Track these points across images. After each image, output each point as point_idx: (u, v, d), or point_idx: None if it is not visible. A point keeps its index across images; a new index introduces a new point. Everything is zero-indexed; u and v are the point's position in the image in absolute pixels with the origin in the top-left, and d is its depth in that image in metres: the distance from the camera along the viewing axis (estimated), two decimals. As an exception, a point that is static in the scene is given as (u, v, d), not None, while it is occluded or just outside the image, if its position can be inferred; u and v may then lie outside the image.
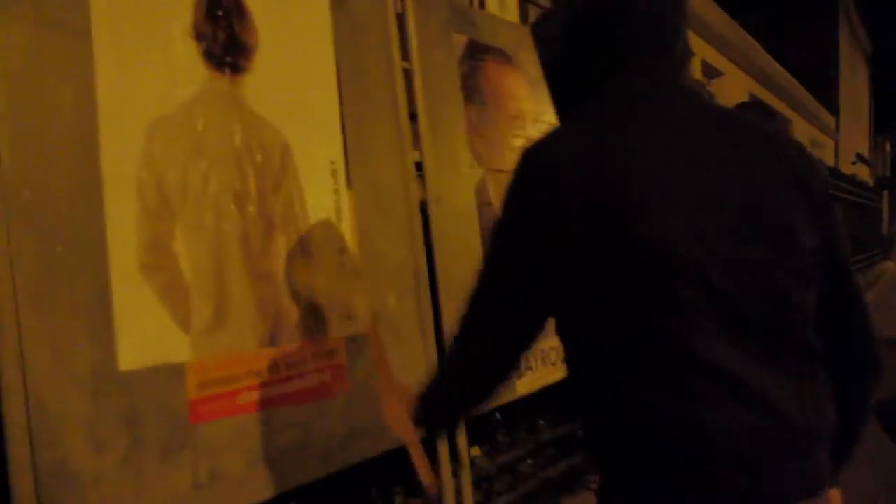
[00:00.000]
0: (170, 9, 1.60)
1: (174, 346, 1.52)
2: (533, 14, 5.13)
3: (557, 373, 2.90)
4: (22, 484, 1.25)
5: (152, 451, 1.45)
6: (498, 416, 3.22)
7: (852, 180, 12.61)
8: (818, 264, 1.11)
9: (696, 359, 0.99)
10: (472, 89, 2.62)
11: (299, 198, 1.85)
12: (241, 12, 1.75)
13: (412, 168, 2.28)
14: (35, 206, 1.34)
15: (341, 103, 2.03)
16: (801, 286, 1.08)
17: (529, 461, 3.34)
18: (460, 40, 2.59)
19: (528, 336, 1.18)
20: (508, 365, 1.22)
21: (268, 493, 1.68)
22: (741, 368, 1.01)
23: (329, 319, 1.91)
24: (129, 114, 1.50)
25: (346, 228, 1.99)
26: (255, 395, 1.68)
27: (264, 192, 1.75)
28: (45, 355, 1.31)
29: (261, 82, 1.78)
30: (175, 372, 1.52)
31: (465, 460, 2.43)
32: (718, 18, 8.70)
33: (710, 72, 8.94)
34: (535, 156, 1.11)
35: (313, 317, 1.86)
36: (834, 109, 13.79)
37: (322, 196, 1.92)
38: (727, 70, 8.94)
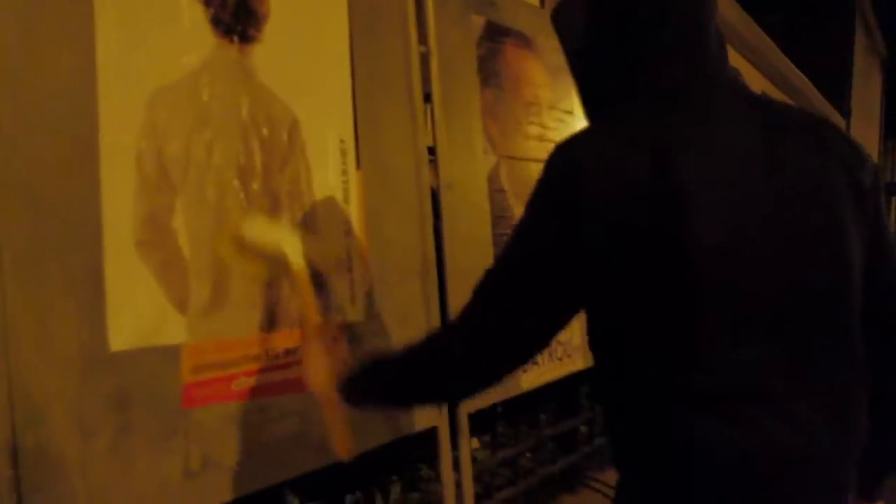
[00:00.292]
0: (177, -29, 1.51)
1: (169, 328, 1.45)
2: None
3: (563, 368, 2.83)
4: (1, 468, 1.17)
5: (142, 436, 1.38)
6: (499, 408, 3.15)
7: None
8: (865, 262, 1.05)
9: (734, 375, 0.95)
10: (489, 72, 2.54)
11: (306, 176, 1.77)
12: (252, -22, 1.66)
13: (424, 151, 2.20)
14: (26, 176, 1.26)
15: (354, 81, 1.94)
16: (846, 288, 1.02)
17: (529, 455, 3.29)
18: (479, 21, 2.50)
19: (531, 341, 1.07)
20: (493, 368, 1.09)
21: (262, 483, 1.61)
22: (778, 385, 0.96)
23: (332, 304, 1.83)
24: (130, 81, 1.41)
25: (354, 210, 1.91)
26: (251, 381, 1.60)
27: (270, 169, 1.67)
28: (31, 333, 1.23)
29: (271, 54, 1.69)
30: (169, 354, 1.45)
31: (466, 452, 2.36)
32: (738, 17, 8.63)
33: (726, 69, 8.84)
34: (571, 153, 1.01)
35: (317, 301, 1.78)
36: (846, 112, 13.72)
37: (330, 176, 1.84)
38: (743, 69, 8.85)
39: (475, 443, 3.15)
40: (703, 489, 0.97)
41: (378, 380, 1.20)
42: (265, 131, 1.66)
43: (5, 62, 1.24)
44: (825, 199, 1.01)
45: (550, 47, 2.74)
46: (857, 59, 13.09)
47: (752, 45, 9.08)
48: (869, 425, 1.05)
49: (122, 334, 1.36)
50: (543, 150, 2.61)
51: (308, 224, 1.77)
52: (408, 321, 2.06)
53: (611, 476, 2.86)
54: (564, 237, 0.97)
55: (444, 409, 2.19)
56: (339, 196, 1.87)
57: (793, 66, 10.35)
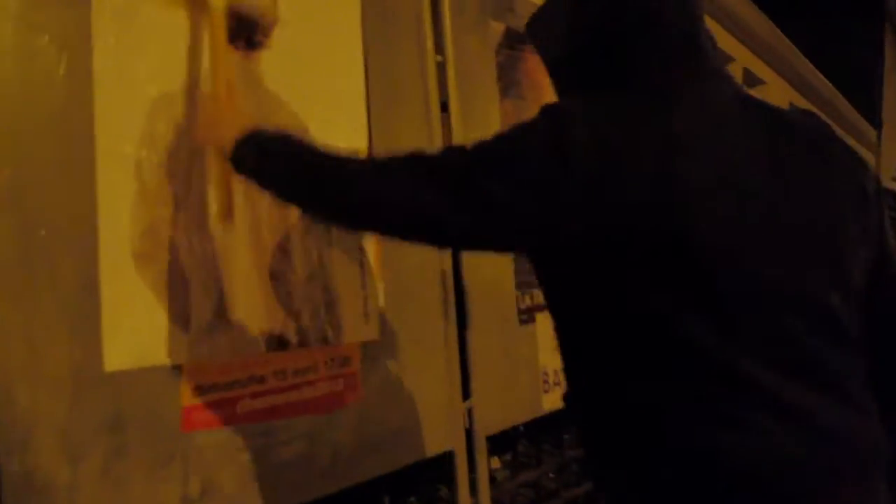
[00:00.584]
0: (180, -26, 1.45)
1: (168, 346, 1.37)
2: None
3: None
4: (-18, 495, 1.11)
5: (136, 461, 1.30)
6: (521, 427, 3.07)
7: (895, 196, 12.38)
8: (869, 271, 1.02)
9: (742, 384, 0.90)
10: (509, 81, 2.46)
11: (316, 188, 1.69)
12: (259, -19, 1.60)
13: (442, 164, 2.12)
14: (17, 184, 1.19)
15: (367, 89, 1.88)
16: (849, 297, 0.98)
17: (552, 475, 3.21)
18: (498, 28, 2.43)
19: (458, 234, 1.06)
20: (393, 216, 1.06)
21: (265, 511, 1.53)
22: (791, 392, 0.91)
23: (344, 323, 1.75)
24: (130, 88, 1.35)
25: (367, 224, 1.83)
26: (257, 403, 1.52)
27: (277, 180, 1.59)
28: (19, 351, 1.17)
29: (279, 60, 1.63)
30: (168, 374, 1.37)
31: (484, 476, 2.28)
32: (764, 26, 8.55)
33: (752, 80, 8.75)
34: (572, 119, 0.98)
35: (327, 319, 1.71)
36: (877, 123, 13.56)
37: (342, 188, 1.77)
38: (769, 79, 8.75)
39: (496, 462, 3.07)
40: (711, 497, 0.91)
41: (282, 155, 1.15)
42: (272, 140, 1.59)
43: (-2, 66, 1.19)
44: (827, 201, 0.99)
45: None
46: (888, 68, 12.91)
47: (779, 54, 8.98)
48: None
49: (118, 353, 1.29)
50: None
51: (320, 238, 1.70)
52: (424, 339, 1.99)
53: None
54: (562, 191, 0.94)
55: (461, 432, 2.11)
56: (351, 208, 1.79)
57: (820, 75, 10.25)
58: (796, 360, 0.93)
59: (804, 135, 1.03)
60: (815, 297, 0.95)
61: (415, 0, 2.08)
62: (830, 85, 10.28)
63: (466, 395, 2.13)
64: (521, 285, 2.35)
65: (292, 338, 1.61)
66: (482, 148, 1.02)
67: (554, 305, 1.10)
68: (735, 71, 8.69)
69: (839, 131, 1.09)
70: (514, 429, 3.01)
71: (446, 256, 2.08)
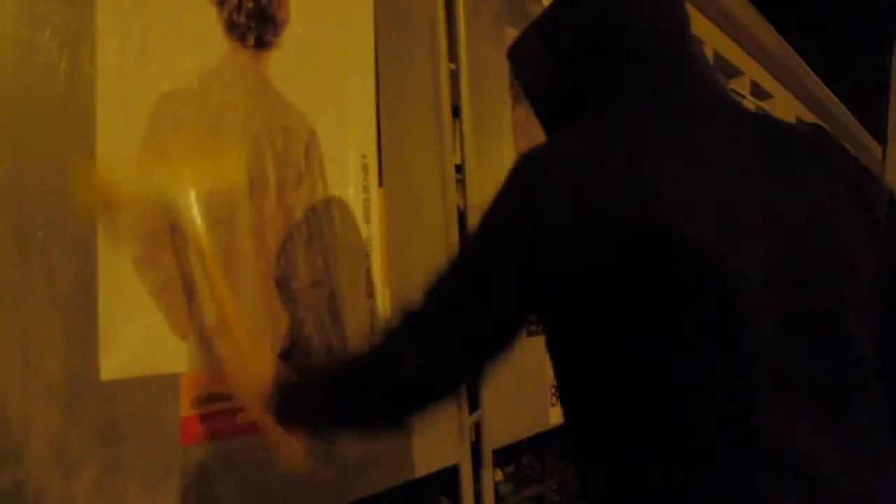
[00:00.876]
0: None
1: (167, 355, 1.32)
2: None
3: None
4: (-29, 508, 1.06)
5: (133, 474, 1.25)
6: (525, 440, 3.03)
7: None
8: (882, 300, 0.94)
9: (755, 440, 0.83)
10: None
11: (324, 192, 1.65)
12: (270, -22, 1.56)
13: (452, 170, 2.11)
14: (13, 183, 1.14)
15: (378, 93, 1.84)
16: (863, 328, 0.91)
17: (555, 488, 3.17)
18: (512, 34, 2.38)
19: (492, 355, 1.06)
20: (447, 387, 1.06)
21: (265, 527, 1.48)
22: (805, 447, 0.84)
23: (350, 332, 1.70)
24: (133, 86, 1.30)
25: (375, 230, 1.79)
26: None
27: (284, 184, 1.55)
28: (12, 358, 1.11)
29: (290, 61, 1.58)
30: (167, 384, 1.32)
31: (489, 490, 2.23)
32: (772, 40, 8.53)
33: (760, 93, 8.76)
34: (544, 164, 0.98)
35: (333, 328, 1.66)
36: (882, 138, 13.55)
37: (350, 193, 1.73)
38: (777, 93, 8.75)
39: (499, 474, 3.03)
40: None
41: (315, 398, 1.11)
42: (280, 143, 1.54)
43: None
44: (835, 228, 0.92)
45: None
46: (894, 84, 12.89)
47: (788, 69, 8.98)
48: None
49: (115, 362, 1.23)
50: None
51: (325, 244, 1.65)
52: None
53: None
54: (537, 254, 0.92)
55: (467, 445, 2.06)
56: (359, 215, 1.75)
57: (827, 89, 10.26)
58: (814, 407, 0.86)
59: (806, 148, 0.98)
60: (830, 328, 0.89)
61: (429, 3, 2.05)
62: (837, 99, 10.30)
63: (473, 407, 2.09)
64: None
65: (296, 347, 1.56)
66: (459, 270, 1.04)
67: (564, 395, 1.10)
68: (743, 84, 8.70)
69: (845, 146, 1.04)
70: (518, 441, 2.97)
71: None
